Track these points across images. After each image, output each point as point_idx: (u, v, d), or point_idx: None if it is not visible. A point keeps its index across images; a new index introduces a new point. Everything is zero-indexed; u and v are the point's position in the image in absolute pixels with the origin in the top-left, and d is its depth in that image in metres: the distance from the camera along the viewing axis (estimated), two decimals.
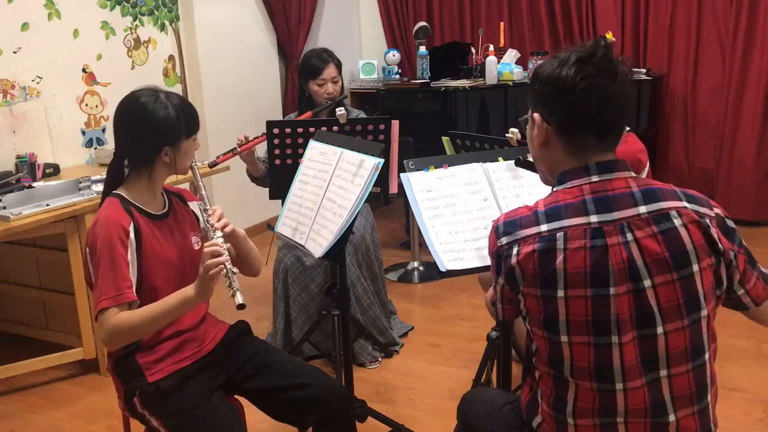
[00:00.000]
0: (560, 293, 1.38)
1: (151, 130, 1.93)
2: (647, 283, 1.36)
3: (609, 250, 1.36)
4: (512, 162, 2.05)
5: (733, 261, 1.42)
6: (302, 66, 3.36)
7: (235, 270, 1.79)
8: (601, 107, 1.39)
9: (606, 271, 1.36)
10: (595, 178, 1.42)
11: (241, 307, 1.72)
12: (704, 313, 1.40)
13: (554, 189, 1.48)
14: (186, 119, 1.96)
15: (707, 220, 1.40)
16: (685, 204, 1.40)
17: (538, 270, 1.39)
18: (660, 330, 1.37)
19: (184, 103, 1.99)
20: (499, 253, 1.47)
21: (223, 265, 1.76)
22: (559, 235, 1.39)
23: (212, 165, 2.95)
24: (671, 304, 1.37)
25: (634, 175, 1.44)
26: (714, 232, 1.39)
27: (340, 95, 3.32)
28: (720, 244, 1.39)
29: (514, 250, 1.42)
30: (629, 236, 1.37)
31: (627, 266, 1.36)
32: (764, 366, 3.07)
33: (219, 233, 1.89)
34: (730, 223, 1.44)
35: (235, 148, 2.92)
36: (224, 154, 2.91)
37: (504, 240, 1.45)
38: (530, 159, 1.64)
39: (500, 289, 1.50)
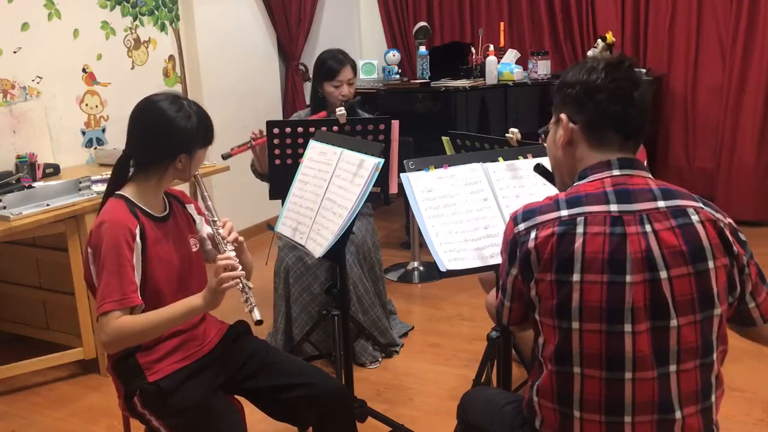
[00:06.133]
0: (576, 277, 1.39)
1: (172, 137, 1.93)
2: (663, 274, 1.38)
3: (627, 238, 1.39)
4: (512, 162, 2.05)
5: (746, 267, 1.45)
6: (318, 67, 3.34)
7: (250, 285, 1.81)
8: (627, 108, 1.46)
9: (623, 259, 1.38)
10: (616, 172, 1.46)
11: (259, 323, 1.75)
12: (717, 311, 1.41)
13: (575, 185, 1.50)
14: (205, 130, 1.98)
15: (721, 224, 1.43)
16: (701, 205, 1.45)
17: (555, 253, 1.41)
18: (674, 323, 1.39)
19: (203, 113, 2.00)
20: (515, 240, 1.48)
21: (239, 280, 1.78)
22: (580, 219, 1.41)
23: (226, 156, 2.93)
24: (685, 297, 1.39)
25: (651, 176, 1.49)
26: (728, 235, 1.43)
27: (354, 98, 3.32)
28: (734, 247, 1.42)
29: (532, 234, 1.45)
30: (648, 227, 1.40)
31: (645, 256, 1.38)
32: (765, 366, 3.07)
33: (230, 246, 1.91)
34: (742, 235, 1.47)
35: (250, 141, 2.91)
36: (239, 147, 2.92)
37: (522, 226, 1.47)
38: (549, 169, 1.67)
39: (512, 281, 1.51)
